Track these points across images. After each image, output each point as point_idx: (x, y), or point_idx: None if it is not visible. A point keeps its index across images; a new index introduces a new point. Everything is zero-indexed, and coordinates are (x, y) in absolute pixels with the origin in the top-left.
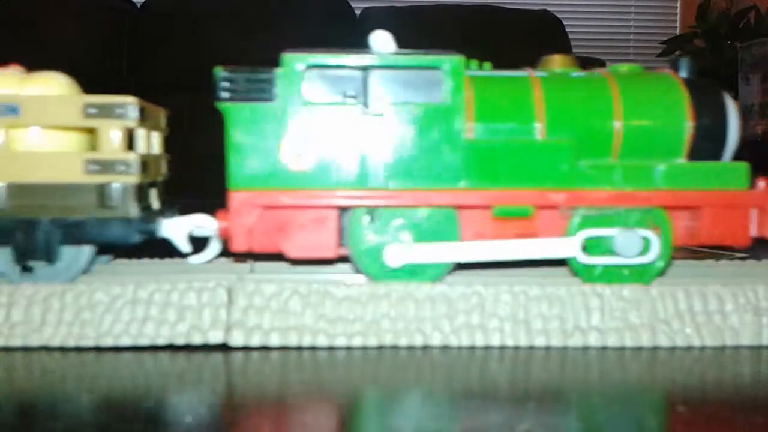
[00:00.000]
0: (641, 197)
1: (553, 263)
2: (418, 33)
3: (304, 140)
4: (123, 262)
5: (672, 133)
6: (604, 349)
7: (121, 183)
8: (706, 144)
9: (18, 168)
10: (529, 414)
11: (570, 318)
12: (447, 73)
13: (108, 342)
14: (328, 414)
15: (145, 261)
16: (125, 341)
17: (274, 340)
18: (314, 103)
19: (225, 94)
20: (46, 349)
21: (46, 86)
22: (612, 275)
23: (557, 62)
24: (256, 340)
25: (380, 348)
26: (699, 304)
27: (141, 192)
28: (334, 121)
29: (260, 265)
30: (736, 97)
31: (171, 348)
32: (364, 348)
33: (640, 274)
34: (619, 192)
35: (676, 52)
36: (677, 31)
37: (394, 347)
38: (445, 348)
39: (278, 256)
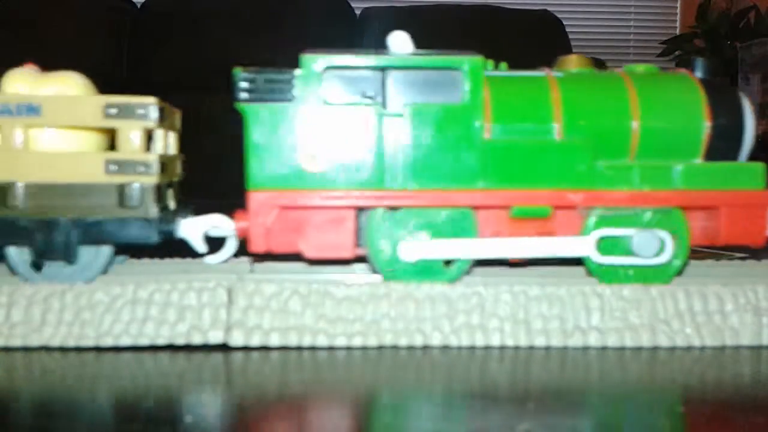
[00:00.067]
0: (659, 197)
1: (572, 263)
2: (418, 33)
3: (322, 141)
4: (122, 262)
5: (689, 133)
6: (604, 349)
7: (140, 183)
8: (723, 144)
9: (37, 168)
10: (529, 414)
11: (570, 318)
12: (466, 73)
13: (108, 342)
14: (329, 414)
15: (145, 261)
16: (125, 341)
17: (274, 340)
18: (333, 103)
19: (244, 95)
20: (46, 349)
21: (63, 86)
22: (627, 275)
23: (573, 62)
24: (256, 340)
25: (380, 348)
26: (699, 304)
27: (160, 192)
28: (352, 122)
29: (260, 265)
30: None
31: (171, 348)
32: (364, 348)
33: (658, 274)
34: (637, 192)
35: (676, 52)
36: (677, 31)
37: (394, 347)
38: (445, 348)
39: (278, 257)
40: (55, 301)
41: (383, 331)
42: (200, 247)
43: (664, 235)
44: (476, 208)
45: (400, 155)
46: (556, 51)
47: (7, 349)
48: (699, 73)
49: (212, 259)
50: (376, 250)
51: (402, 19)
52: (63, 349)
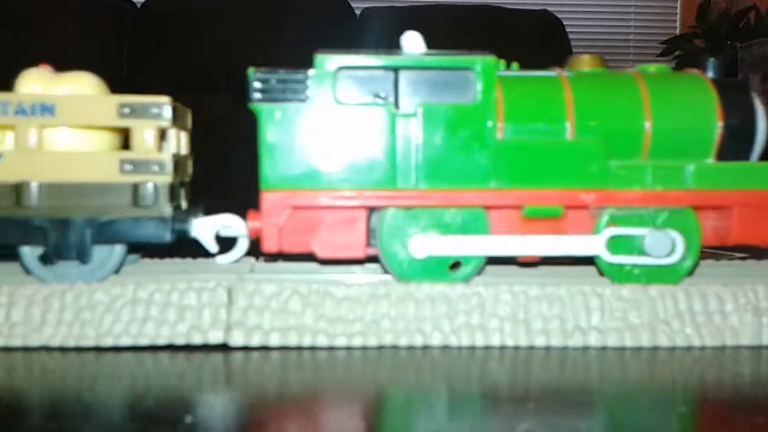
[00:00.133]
0: (671, 197)
1: (585, 263)
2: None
3: (335, 141)
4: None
5: (702, 133)
6: (604, 349)
7: (155, 183)
8: (735, 144)
9: (52, 167)
10: (529, 414)
11: (570, 318)
12: (478, 73)
13: (108, 342)
14: (329, 414)
15: (146, 261)
16: (125, 341)
17: (274, 340)
18: (346, 103)
19: (258, 95)
20: (46, 349)
21: (77, 86)
22: (639, 275)
23: (585, 62)
24: (256, 340)
25: (380, 348)
26: (699, 304)
27: (173, 192)
28: (365, 122)
29: (260, 265)
30: None
31: (171, 348)
32: (364, 348)
33: (669, 274)
34: (649, 192)
35: (676, 52)
36: (677, 31)
37: (394, 347)
38: (445, 348)
39: (278, 256)
40: (55, 301)
41: (383, 331)
42: (212, 247)
43: (676, 235)
44: (488, 208)
45: (413, 155)
46: (556, 51)
47: (7, 349)
48: (711, 73)
49: (223, 259)
50: (387, 250)
51: (402, 19)
52: (63, 349)
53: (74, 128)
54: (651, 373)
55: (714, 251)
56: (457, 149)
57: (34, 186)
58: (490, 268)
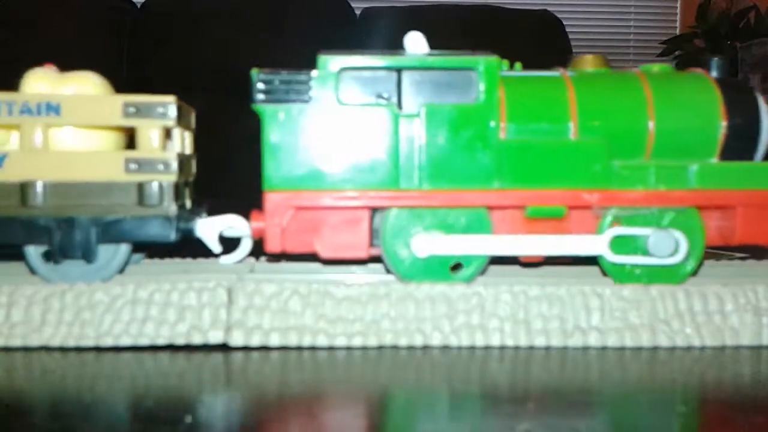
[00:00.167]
0: (675, 197)
1: (588, 263)
2: None
3: (338, 141)
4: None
5: (705, 132)
6: (604, 349)
7: (160, 182)
8: (739, 144)
9: (57, 167)
10: (529, 414)
11: (570, 318)
12: (481, 73)
13: (108, 342)
14: (329, 414)
15: (146, 261)
16: (125, 341)
17: (274, 340)
18: (349, 104)
19: (261, 96)
20: (46, 349)
21: (82, 86)
22: (641, 275)
23: (589, 62)
24: (256, 340)
25: (380, 348)
26: (699, 304)
27: (178, 191)
28: (368, 122)
29: (260, 265)
30: None
31: (171, 348)
32: (364, 348)
33: (672, 274)
34: (653, 192)
35: (676, 52)
36: (677, 31)
37: (394, 347)
38: (445, 348)
39: (278, 256)
40: (55, 301)
41: (383, 331)
42: (215, 247)
43: (680, 235)
44: (491, 208)
45: (416, 155)
46: (556, 51)
47: (7, 349)
48: (714, 73)
49: (227, 259)
50: (391, 251)
51: (402, 19)
52: (63, 349)
53: (79, 128)
54: (651, 373)
55: (714, 251)
56: (460, 149)
57: (39, 185)
58: (491, 268)
